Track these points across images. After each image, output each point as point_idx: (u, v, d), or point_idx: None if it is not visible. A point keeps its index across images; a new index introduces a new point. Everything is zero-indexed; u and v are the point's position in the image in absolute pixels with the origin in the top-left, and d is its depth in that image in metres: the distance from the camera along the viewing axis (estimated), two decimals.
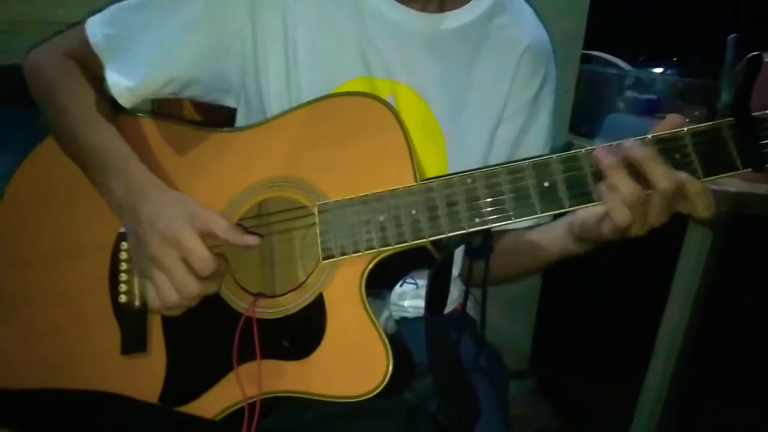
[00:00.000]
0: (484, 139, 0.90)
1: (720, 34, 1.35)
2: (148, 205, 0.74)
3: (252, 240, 0.73)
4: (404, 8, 0.84)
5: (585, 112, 1.66)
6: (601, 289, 2.00)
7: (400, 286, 0.87)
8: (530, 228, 0.91)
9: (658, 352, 1.47)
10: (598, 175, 0.66)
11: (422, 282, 0.91)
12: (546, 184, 0.67)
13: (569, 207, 0.67)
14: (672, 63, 1.72)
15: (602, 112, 1.65)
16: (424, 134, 0.85)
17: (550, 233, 0.86)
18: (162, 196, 0.75)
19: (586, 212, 0.76)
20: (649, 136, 0.65)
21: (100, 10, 0.85)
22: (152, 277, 0.72)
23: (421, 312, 0.87)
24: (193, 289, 0.70)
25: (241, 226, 0.77)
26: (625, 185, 0.63)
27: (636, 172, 0.64)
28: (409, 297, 0.93)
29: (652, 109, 1.63)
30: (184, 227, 0.70)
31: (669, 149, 0.64)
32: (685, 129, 0.64)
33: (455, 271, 0.92)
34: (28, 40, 0.95)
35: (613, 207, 0.64)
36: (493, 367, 0.92)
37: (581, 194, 0.66)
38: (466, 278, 0.76)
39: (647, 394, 1.50)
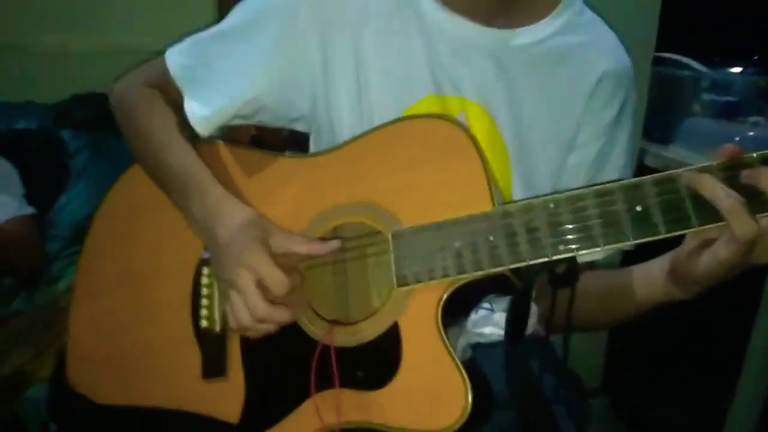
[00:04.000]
0: (552, 161, 0.86)
1: None
2: (223, 229, 0.76)
3: (335, 243, 0.75)
4: (470, 23, 0.82)
5: (659, 118, 1.59)
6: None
7: (476, 313, 0.84)
8: (622, 270, 0.84)
9: (748, 367, 1.38)
10: (698, 198, 0.61)
11: (498, 306, 0.88)
12: (639, 208, 0.62)
13: (666, 233, 0.61)
14: (752, 62, 1.63)
15: (678, 117, 1.58)
16: (490, 153, 0.82)
17: (648, 275, 0.78)
18: (235, 217, 0.77)
19: (679, 251, 0.70)
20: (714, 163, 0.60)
21: (178, 39, 0.87)
22: (229, 298, 0.75)
23: (496, 337, 0.84)
24: (262, 310, 0.72)
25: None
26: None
27: None
28: (487, 323, 0.90)
29: (732, 112, 1.55)
30: (258, 252, 0.72)
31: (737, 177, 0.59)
32: (754, 155, 0.59)
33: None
34: (108, 68, 0.98)
35: (733, 215, 0.58)
36: (574, 397, 0.87)
37: (679, 219, 0.61)
38: (550, 308, 0.72)
39: (737, 414, 1.41)
